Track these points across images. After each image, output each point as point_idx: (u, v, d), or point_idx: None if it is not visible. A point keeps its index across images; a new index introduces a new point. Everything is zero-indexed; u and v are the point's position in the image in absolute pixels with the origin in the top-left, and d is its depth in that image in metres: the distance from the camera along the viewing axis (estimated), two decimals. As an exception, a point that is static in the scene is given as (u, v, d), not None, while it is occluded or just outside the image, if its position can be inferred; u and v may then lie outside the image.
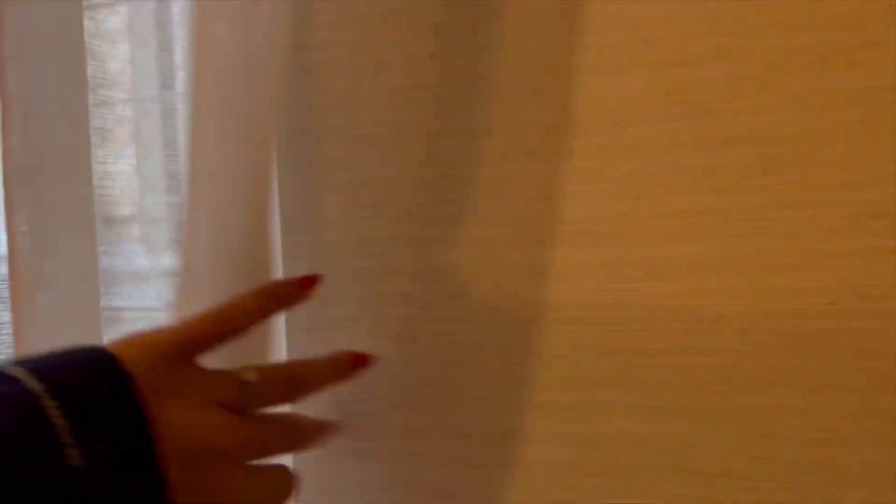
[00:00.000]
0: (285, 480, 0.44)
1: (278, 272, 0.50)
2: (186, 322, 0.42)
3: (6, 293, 0.64)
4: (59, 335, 0.61)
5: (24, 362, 0.37)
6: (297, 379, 0.44)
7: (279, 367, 0.46)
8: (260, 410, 0.43)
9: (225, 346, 0.43)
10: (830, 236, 0.41)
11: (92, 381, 0.37)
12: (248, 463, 0.41)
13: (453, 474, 0.49)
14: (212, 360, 0.43)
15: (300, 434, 0.45)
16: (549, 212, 0.46)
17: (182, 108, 0.81)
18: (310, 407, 0.49)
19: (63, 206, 0.61)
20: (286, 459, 0.47)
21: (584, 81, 0.45)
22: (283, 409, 0.47)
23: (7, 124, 0.60)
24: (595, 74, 0.45)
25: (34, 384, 0.36)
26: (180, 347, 0.41)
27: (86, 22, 0.68)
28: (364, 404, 0.51)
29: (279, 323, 0.50)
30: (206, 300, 0.43)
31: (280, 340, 0.50)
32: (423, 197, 0.49)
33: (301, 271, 0.52)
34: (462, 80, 0.48)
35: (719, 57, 0.43)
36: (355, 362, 0.47)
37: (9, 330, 0.64)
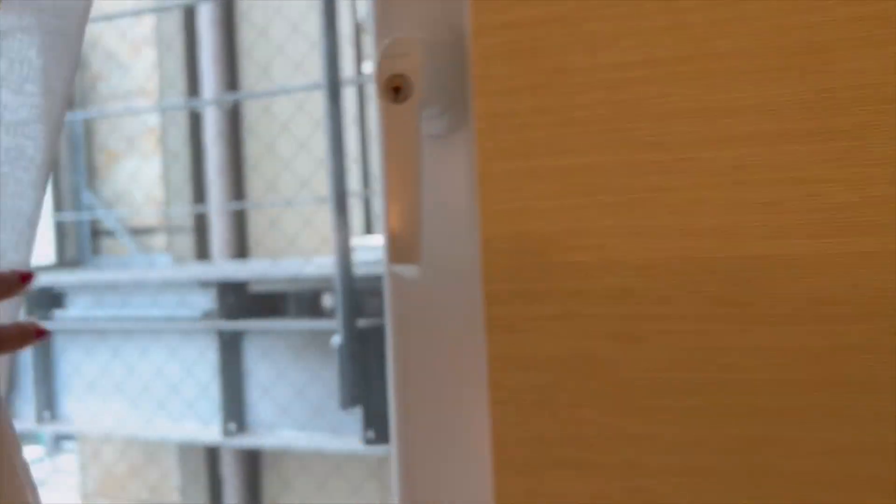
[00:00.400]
0: None
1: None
2: None
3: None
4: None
5: None
6: None
7: None
8: None
9: None
10: None
11: None
12: None
13: (684, 485, 0.45)
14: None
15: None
16: (802, 198, 0.42)
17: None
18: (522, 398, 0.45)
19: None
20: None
21: (848, 55, 0.41)
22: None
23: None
24: (863, 48, 0.41)
25: None
26: None
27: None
28: (580, 410, 0.47)
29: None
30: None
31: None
32: (646, 183, 0.45)
33: (504, 264, 0.48)
34: (700, 56, 0.44)
35: None
36: (38, 334, 0.52)
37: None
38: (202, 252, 4.27)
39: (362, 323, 2.43)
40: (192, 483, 4.21)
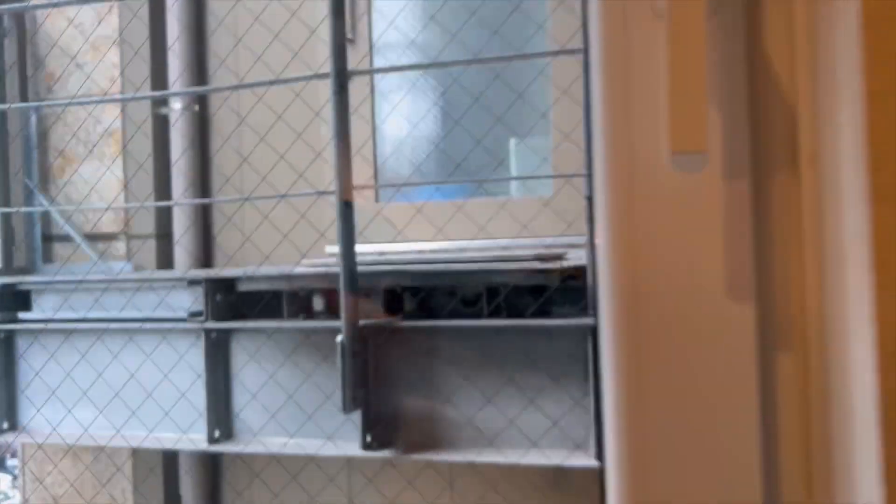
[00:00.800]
0: None
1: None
2: None
3: None
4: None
5: None
6: None
7: None
8: None
9: None
10: None
11: None
12: None
13: None
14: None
15: None
16: None
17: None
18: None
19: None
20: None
21: None
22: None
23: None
24: None
25: None
26: None
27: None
28: None
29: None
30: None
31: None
32: None
33: None
34: None
35: None
36: None
37: None
38: (165, 261, 4.09)
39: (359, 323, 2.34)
40: (146, 500, 3.99)
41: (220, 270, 2.62)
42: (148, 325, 2.59)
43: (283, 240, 3.68)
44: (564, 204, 3.33)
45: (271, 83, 2.52)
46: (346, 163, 2.30)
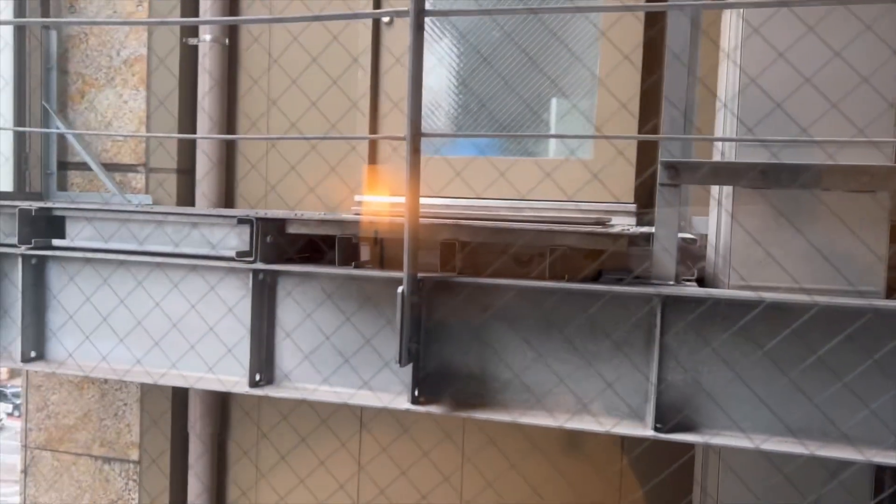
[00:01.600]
0: None
1: None
2: None
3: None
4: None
5: None
6: None
7: None
8: None
9: None
10: None
11: None
12: None
13: None
14: None
15: None
16: None
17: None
18: None
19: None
20: None
21: None
22: None
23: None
24: None
25: None
26: None
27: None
28: None
29: None
30: None
31: None
32: None
33: None
34: None
35: None
36: None
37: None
38: (186, 197, 3.99)
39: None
40: (153, 437, 3.94)
41: (272, 211, 2.52)
42: (187, 262, 2.51)
43: (307, 192, 3.59)
44: (605, 168, 3.27)
45: (343, 16, 2.41)
46: (417, 107, 2.20)
